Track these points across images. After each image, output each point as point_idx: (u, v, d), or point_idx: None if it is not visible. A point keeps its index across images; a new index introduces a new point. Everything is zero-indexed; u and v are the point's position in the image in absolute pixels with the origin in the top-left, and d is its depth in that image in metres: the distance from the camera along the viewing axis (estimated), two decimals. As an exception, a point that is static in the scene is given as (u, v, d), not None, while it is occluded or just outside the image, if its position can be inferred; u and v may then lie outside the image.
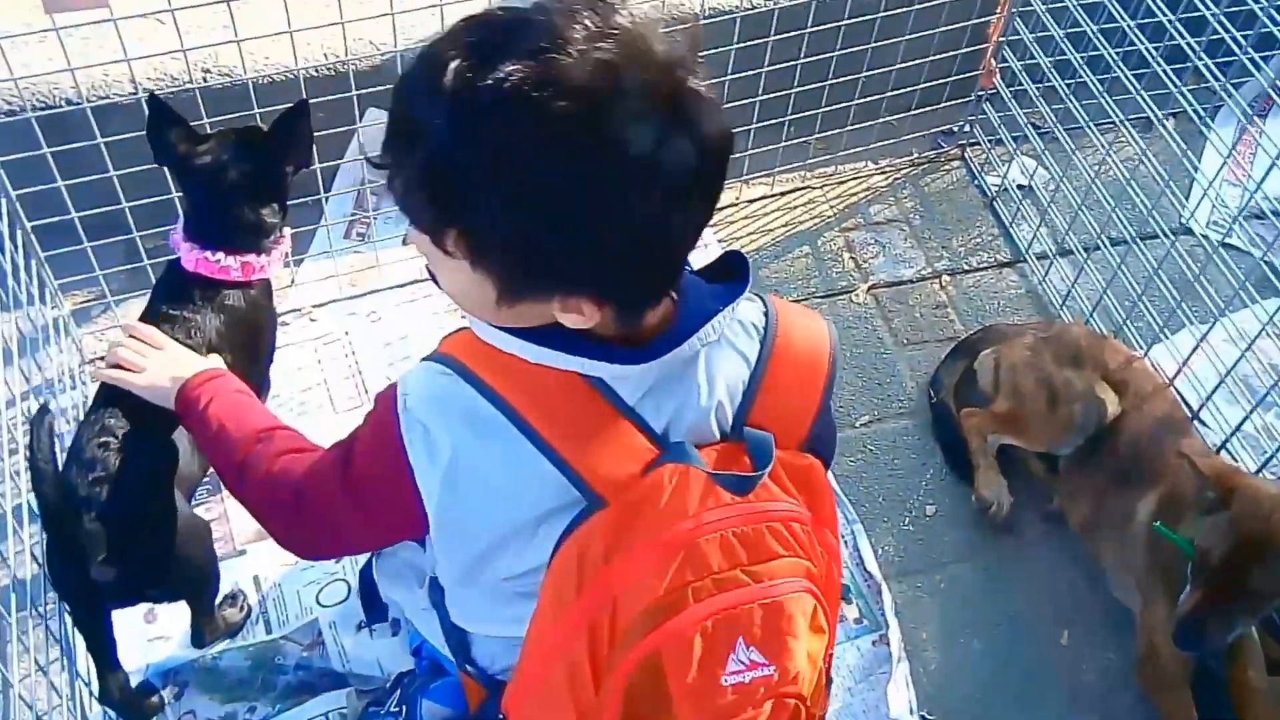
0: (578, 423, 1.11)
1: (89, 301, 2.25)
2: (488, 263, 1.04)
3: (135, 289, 2.21)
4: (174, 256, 1.70)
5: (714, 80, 2.28)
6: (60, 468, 1.52)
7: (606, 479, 1.11)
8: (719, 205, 2.15)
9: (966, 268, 2.62)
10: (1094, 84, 2.31)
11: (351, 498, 1.23)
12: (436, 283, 1.15)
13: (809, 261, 2.59)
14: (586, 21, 0.96)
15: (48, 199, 1.95)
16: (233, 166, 1.65)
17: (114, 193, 1.99)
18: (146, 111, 1.64)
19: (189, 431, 1.53)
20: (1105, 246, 2.39)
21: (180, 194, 1.78)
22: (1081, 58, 2.34)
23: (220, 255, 1.66)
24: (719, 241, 2.58)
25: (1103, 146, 2.32)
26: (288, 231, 1.76)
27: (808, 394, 1.21)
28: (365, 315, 2.36)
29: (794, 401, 1.21)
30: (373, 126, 2.30)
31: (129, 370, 1.56)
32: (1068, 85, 2.40)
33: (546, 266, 1.03)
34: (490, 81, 0.95)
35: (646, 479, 1.11)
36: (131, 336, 1.61)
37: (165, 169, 1.79)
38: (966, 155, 2.82)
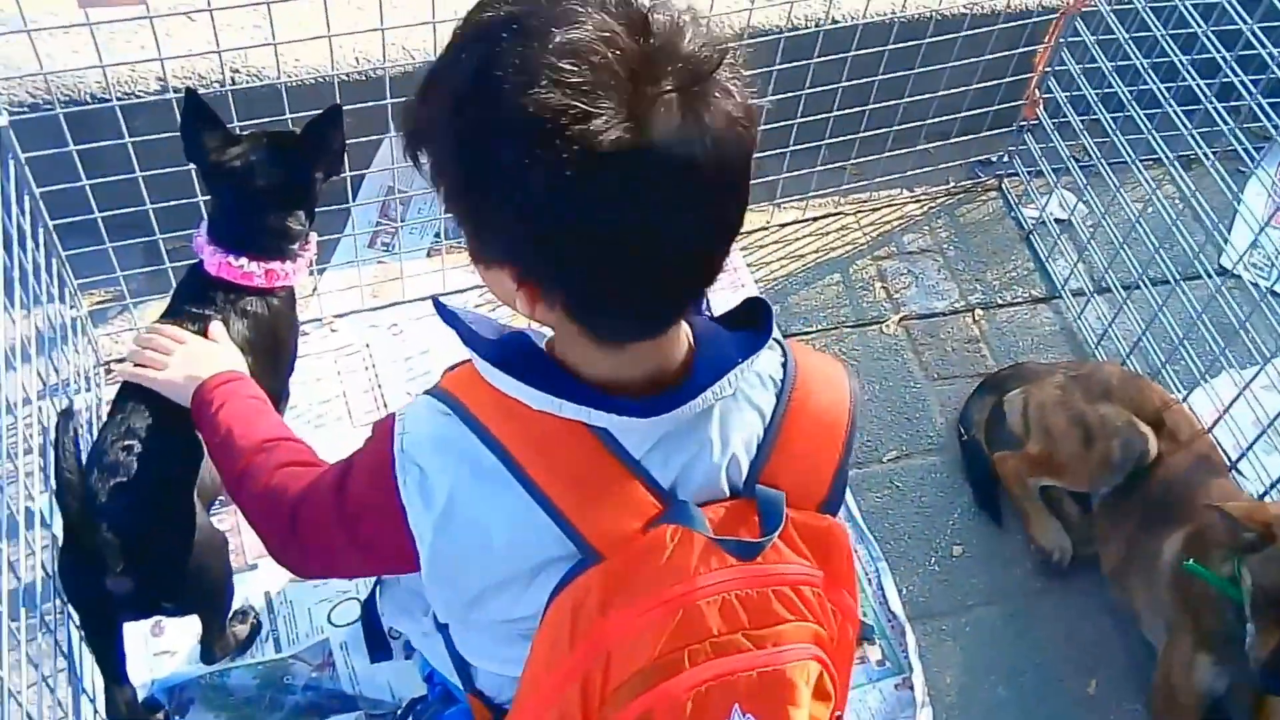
0: (579, 474, 1.06)
1: (107, 301, 2.21)
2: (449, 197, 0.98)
3: (154, 291, 2.17)
4: (196, 259, 1.66)
5: (754, 102, 2.23)
6: (79, 471, 1.47)
7: (605, 534, 1.06)
8: (748, 228, 2.08)
9: (1000, 302, 2.57)
10: (1141, 120, 2.26)
11: (344, 526, 1.18)
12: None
13: (840, 290, 2.54)
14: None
15: (67, 196, 1.91)
16: (262, 171, 1.60)
17: (135, 192, 1.94)
18: (182, 108, 1.60)
19: (200, 433, 1.48)
20: (1146, 286, 2.33)
21: (207, 196, 1.74)
22: (1130, 91, 2.28)
23: (244, 260, 1.62)
24: (749, 265, 2.53)
25: (1148, 184, 2.26)
26: (314, 239, 1.72)
27: (826, 452, 1.16)
28: (387, 328, 2.31)
29: (811, 459, 1.15)
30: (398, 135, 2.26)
31: (150, 368, 1.52)
32: (1113, 119, 2.35)
33: (486, 222, 0.96)
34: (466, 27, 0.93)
35: (647, 536, 1.05)
36: (155, 334, 1.57)
37: (193, 169, 1.75)
38: (1004, 186, 2.77)
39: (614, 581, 1.04)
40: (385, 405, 2.19)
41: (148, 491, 1.48)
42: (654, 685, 1.02)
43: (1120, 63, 2.30)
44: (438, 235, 2.44)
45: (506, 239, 0.96)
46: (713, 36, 0.92)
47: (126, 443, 1.49)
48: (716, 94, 0.91)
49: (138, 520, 1.46)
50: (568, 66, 0.86)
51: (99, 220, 1.95)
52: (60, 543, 1.51)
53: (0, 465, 1.41)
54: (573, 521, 1.05)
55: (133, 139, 1.86)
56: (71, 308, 2.00)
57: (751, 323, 1.12)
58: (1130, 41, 2.24)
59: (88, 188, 1.89)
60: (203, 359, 1.53)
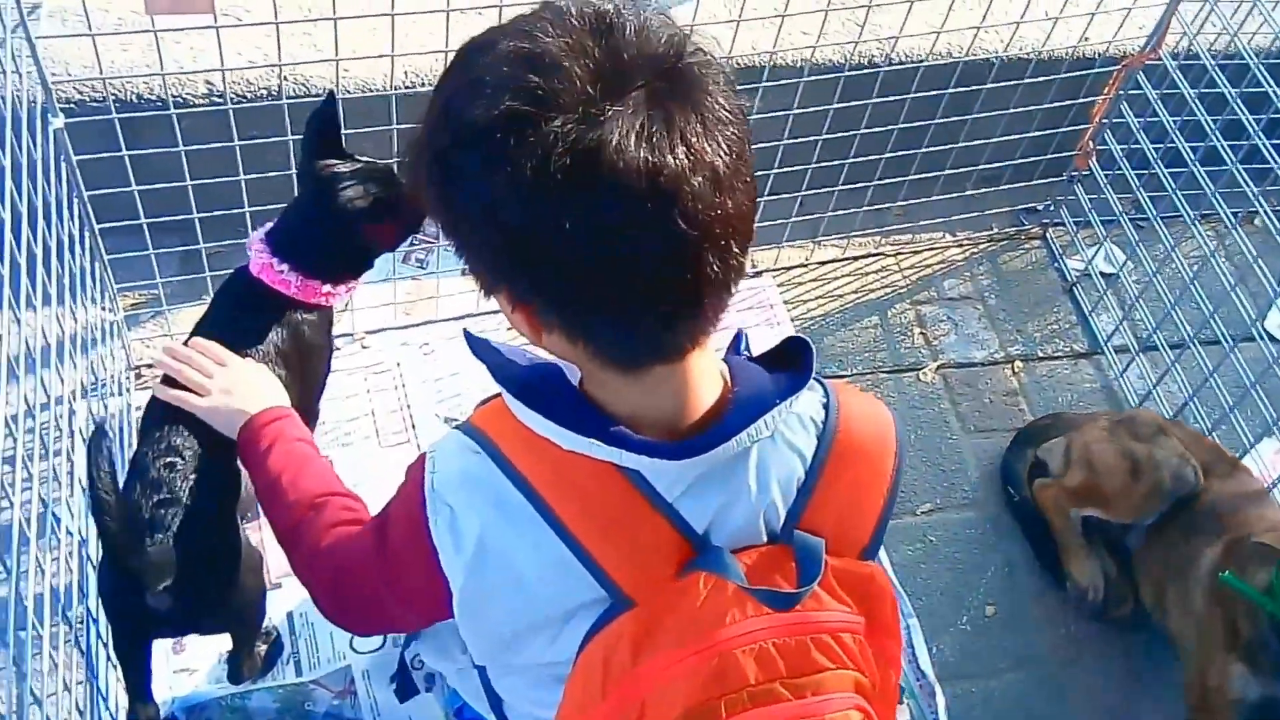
0: (609, 517, 1.02)
1: (140, 305, 2.17)
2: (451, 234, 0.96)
3: (188, 296, 2.14)
4: (240, 264, 1.63)
5: (807, 139, 2.20)
6: (121, 487, 1.43)
7: (636, 580, 1.02)
8: (786, 264, 2.05)
9: (1040, 355, 2.53)
10: (1202, 177, 2.22)
11: (386, 579, 1.15)
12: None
13: (877, 333, 2.50)
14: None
15: (106, 198, 1.87)
16: (365, 198, 1.56)
17: (173, 196, 1.90)
18: (319, 106, 1.57)
19: (245, 469, 1.45)
20: (1196, 348, 2.29)
21: (253, 206, 1.71)
22: (1191, 148, 2.25)
23: (285, 267, 1.59)
24: (785, 303, 2.50)
25: (1205, 244, 2.22)
26: (362, 279, 1.69)
27: (869, 497, 1.11)
28: (418, 346, 2.28)
29: (854, 504, 1.11)
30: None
31: (191, 390, 1.48)
32: (1167, 174, 2.32)
33: (470, 245, 0.94)
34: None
35: (680, 582, 1.02)
36: (196, 352, 1.52)
37: (243, 174, 1.71)
38: (1048, 236, 2.73)
39: (646, 629, 1.01)
40: (413, 426, 2.15)
41: (194, 507, 1.45)
42: None
43: (1183, 118, 2.26)
44: (475, 254, 2.40)
45: (490, 259, 0.93)
46: (684, 36, 0.91)
47: (168, 459, 1.46)
48: (693, 94, 0.88)
49: (183, 538, 1.43)
50: (525, 75, 0.86)
51: (145, 227, 1.91)
52: (101, 557, 1.48)
53: (33, 466, 1.38)
54: (603, 565, 1.02)
55: (187, 147, 1.82)
56: (109, 311, 1.97)
57: (791, 363, 1.08)
58: (1196, 99, 2.20)
59: (136, 194, 1.85)
60: (247, 389, 1.48)
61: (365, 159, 1.59)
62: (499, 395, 1.07)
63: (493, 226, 0.89)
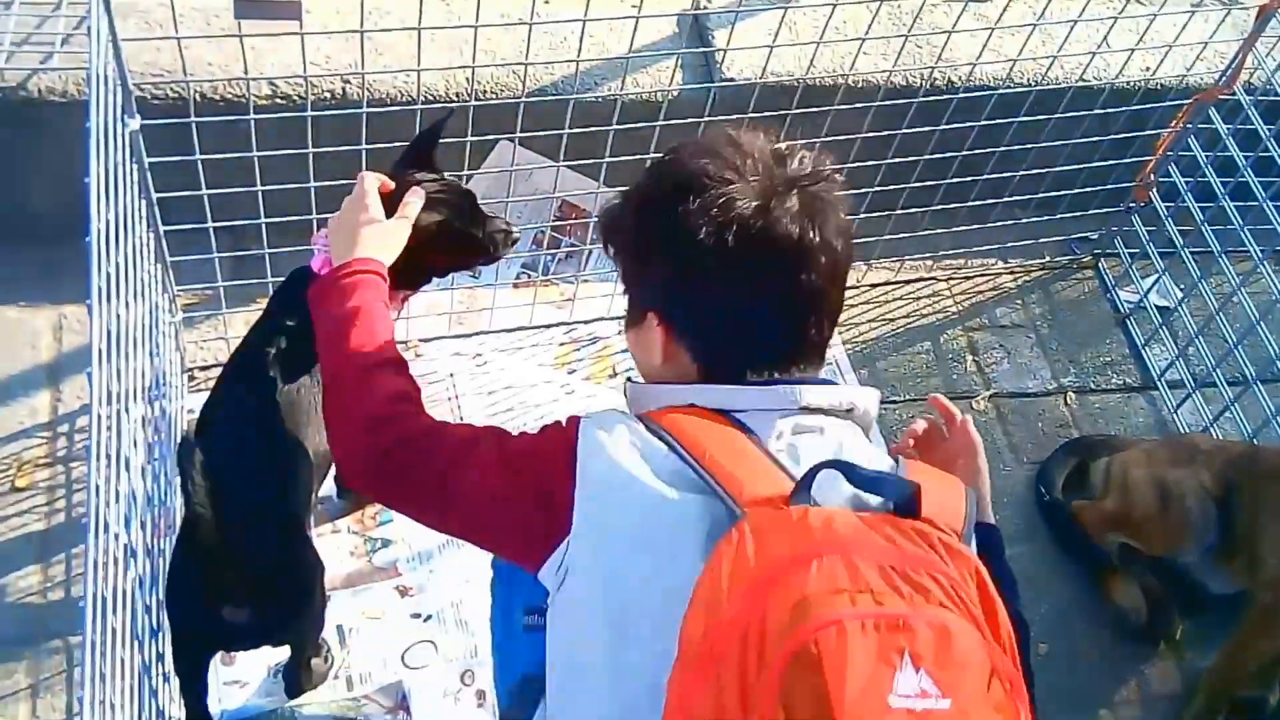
0: (723, 448, 1.13)
1: (193, 305, 2.14)
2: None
3: (242, 300, 2.11)
4: (299, 267, 1.61)
5: (874, 163, 2.18)
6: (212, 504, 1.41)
7: (748, 495, 1.08)
8: None
9: (1093, 387, 2.51)
10: (1273, 213, 2.20)
11: (476, 476, 1.22)
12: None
13: (930, 359, 2.48)
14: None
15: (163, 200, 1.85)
16: (427, 223, 1.53)
17: (234, 201, 1.88)
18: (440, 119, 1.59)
19: (314, 303, 1.40)
20: (1257, 387, 2.27)
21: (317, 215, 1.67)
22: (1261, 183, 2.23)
23: None
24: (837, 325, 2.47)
25: (1274, 283, 2.20)
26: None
27: (952, 497, 1.16)
28: (471, 357, 2.25)
29: (943, 496, 1.14)
30: (496, 171, 2.21)
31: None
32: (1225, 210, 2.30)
33: (646, 273, 1.24)
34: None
35: (788, 509, 1.06)
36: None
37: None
38: (1101, 266, 2.70)
39: (760, 535, 1.04)
40: (468, 439, 2.13)
41: (274, 524, 1.43)
42: (811, 616, 0.96)
43: (1257, 153, 2.25)
44: (525, 267, 2.39)
45: (659, 285, 1.23)
46: (829, 172, 1.23)
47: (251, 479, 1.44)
48: (827, 204, 1.20)
49: (267, 554, 1.42)
50: (724, 165, 1.19)
51: (212, 231, 1.89)
52: (168, 568, 1.46)
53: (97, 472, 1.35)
54: (717, 477, 1.10)
55: (261, 153, 1.79)
56: (169, 314, 1.94)
57: None
58: (1273, 139, 2.18)
59: (206, 197, 1.82)
60: (368, 230, 1.44)
61: (449, 176, 1.56)
62: None
63: (674, 255, 1.20)
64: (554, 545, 1.15)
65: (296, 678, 1.73)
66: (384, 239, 1.45)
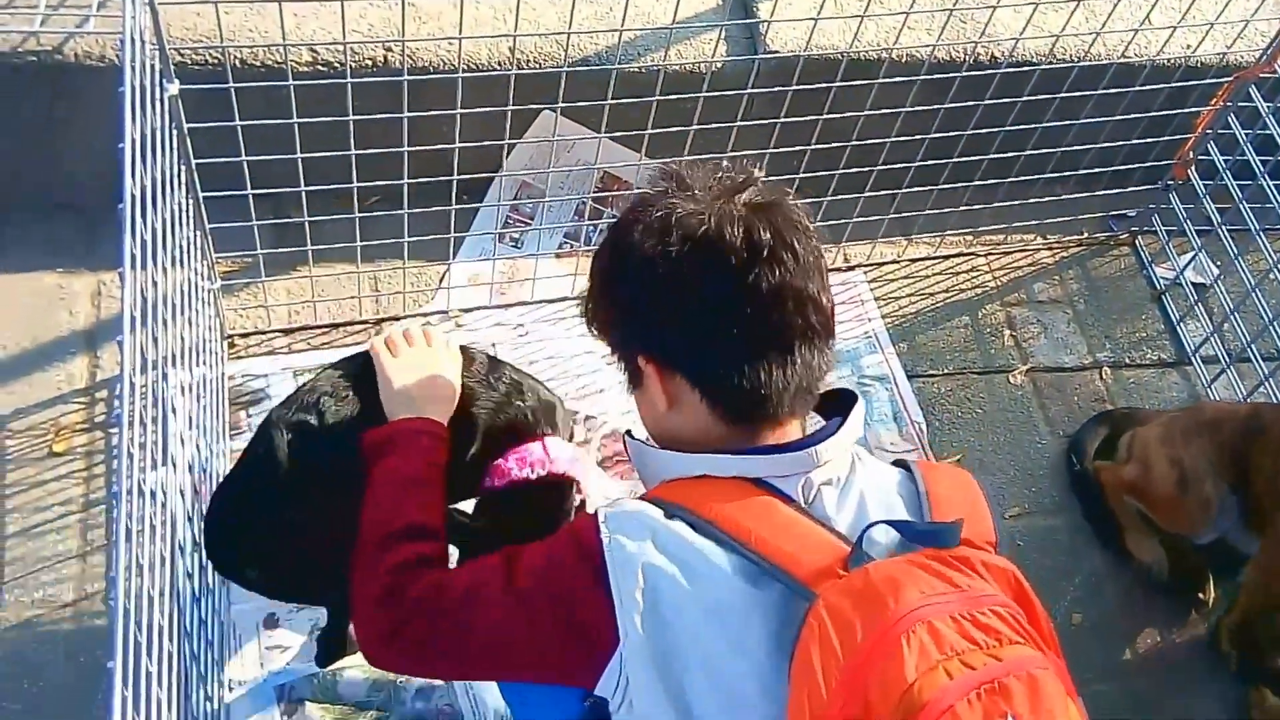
0: (771, 524, 1.12)
1: (232, 273, 2.14)
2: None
3: (282, 268, 2.12)
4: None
5: (915, 137, 2.15)
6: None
7: (811, 573, 1.08)
8: (878, 260, 2.32)
9: (1128, 362, 2.49)
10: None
11: (496, 618, 1.17)
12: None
13: (968, 333, 2.47)
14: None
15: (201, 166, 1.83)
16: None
17: (271, 168, 1.86)
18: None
19: (364, 449, 1.39)
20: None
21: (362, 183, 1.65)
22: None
23: None
24: (876, 299, 2.46)
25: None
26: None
27: (975, 495, 1.24)
28: (512, 327, 2.25)
29: (964, 502, 1.21)
30: (537, 141, 2.20)
31: (391, 352, 1.48)
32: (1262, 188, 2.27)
33: (626, 322, 1.22)
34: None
35: (853, 573, 1.07)
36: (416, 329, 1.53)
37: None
38: (1138, 243, 2.68)
39: (841, 618, 1.04)
40: (506, 409, 2.12)
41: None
42: (922, 708, 0.99)
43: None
44: (567, 237, 2.38)
45: (634, 324, 1.21)
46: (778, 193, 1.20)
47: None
48: (775, 205, 1.17)
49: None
50: (664, 193, 1.19)
51: (250, 198, 1.88)
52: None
53: (132, 439, 1.34)
54: (774, 560, 1.08)
55: (300, 119, 1.78)
56: (209, 280, 1.94)
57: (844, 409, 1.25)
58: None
59: (245, 164, 1.81)
60: (428, 381, 1.44)
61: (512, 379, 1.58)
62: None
63: (648, 290, 1.18)
64: (602, 664, 1.12)
65: (328, 646, 1.73)
66: (436, 385, 1.44)
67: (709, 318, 1.16)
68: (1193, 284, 2.57)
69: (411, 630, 1.20)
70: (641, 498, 1.20)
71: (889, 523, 1.13)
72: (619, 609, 1.09)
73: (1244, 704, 2.05)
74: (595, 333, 1.28)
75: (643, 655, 1.09)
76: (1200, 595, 2.16)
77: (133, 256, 1.25)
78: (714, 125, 2.05)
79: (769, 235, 1.14)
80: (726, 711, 1.09)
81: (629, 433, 1.30)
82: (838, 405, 1.25)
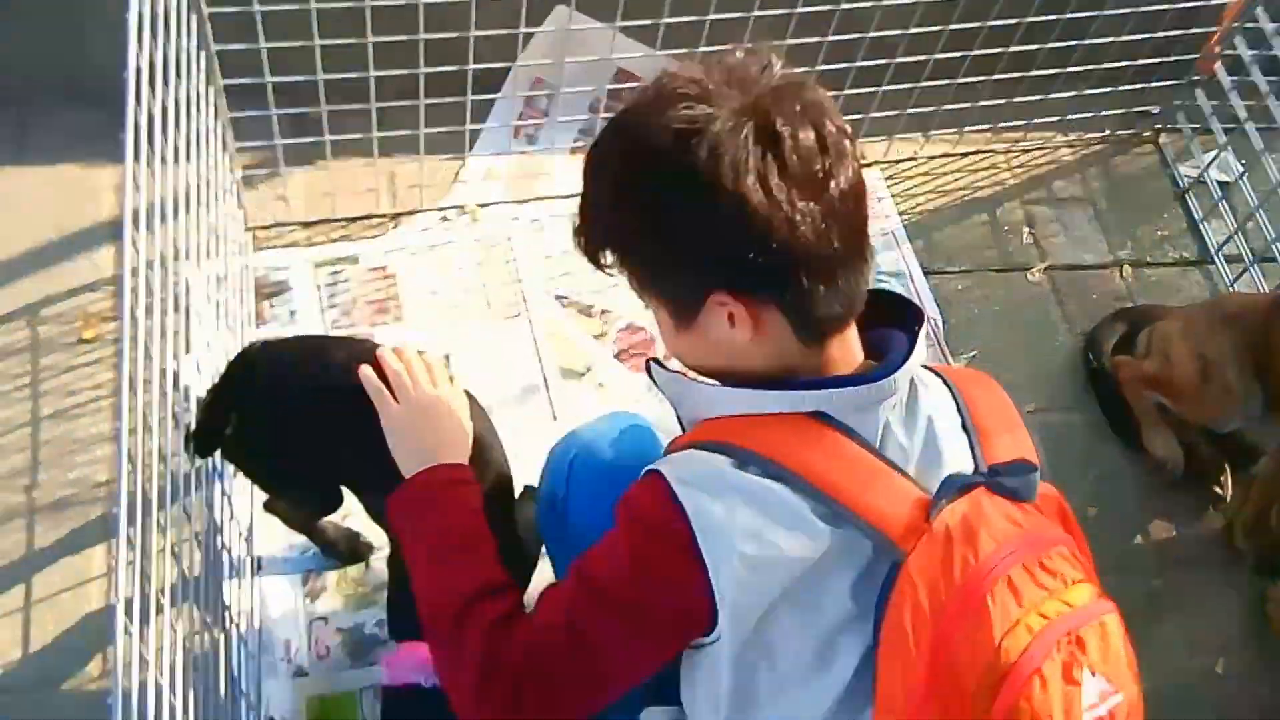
0: (842, 467, 1.07)
1: (253, 166, 2.16)
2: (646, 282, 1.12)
3: (301, 160, 2.13)
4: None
5: (932, 29, 2.12)
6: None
7: (900, 527, 1.05)
8: (895, 158, 2.28)
9: (1150, 260, 2.48)
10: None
11: (610, 634, 1.11)
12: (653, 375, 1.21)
13: (986, 230, 2.46)
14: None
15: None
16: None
17: (291, 58, 1.87)
18: None
19: (393, 513, 1.30)
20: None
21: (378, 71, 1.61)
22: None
23: None
24: (893, 196, 2.45)
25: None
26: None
27: (1011, 410, 1.21)
28: (529, 222, 2.26)
29: (1009, 421, 1.19)
30: (552, 31, 2.19)
31: (392, 389, 1.35)
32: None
33: (679, 260, 1.07)
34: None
35: (934, 526, 1.05)
36: (417, 362, 1.39)
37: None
38: (1161, 141, 2.66)
39: (927, 576, 1.03)
40: (525, 302, 2.15)
41: None
42: (1006, 675, 1.00)
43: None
44: (582, 132, 2.38)
45: (701, 253, 1.06)
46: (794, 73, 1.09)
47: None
48: (827, 111, 1.07)
49: None
50: (685, 95, 1.05)
51: (269, 87, 1.89)
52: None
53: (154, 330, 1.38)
54: (859, 513, 1.05)
55: (319, 3, 1.78)
56: (229, 170, 1.96)
57: (896, 317, 1.18)
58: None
59: (264, 51, 1.82)
60: (440, 424, 1.34)
61: None
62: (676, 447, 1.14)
63: (700, 208, 1.03)
64: (707, 626, 1.08)
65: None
66: (453, 427, 1.34)
67: (804, 233, 1.03)
68: (1217, 182, 2.55)
69: (531, 696, 1.12)
70: (690, 441, 1.13)
71: (973, 476, 1.09)
72: (713, 575, 1.05)
73: (1259, 598, 2.07)
74: (607, 262, 1.14)
75: (737, 612, 1.06)
76: (1217, 490, 2.17)
77: (137, 128, 1.27)
78: (729, 16, 2.03)
79: (834, 129, 1.06)
80: (812, 664, 1.09)
81: (655, 361, 1.21)
82: (881, 311, 1.17)
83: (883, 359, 1.13)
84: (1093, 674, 1.02)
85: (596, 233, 1.14)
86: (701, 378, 1.16)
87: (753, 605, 1.06)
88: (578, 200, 1.16)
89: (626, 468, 1.30)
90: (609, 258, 1.14)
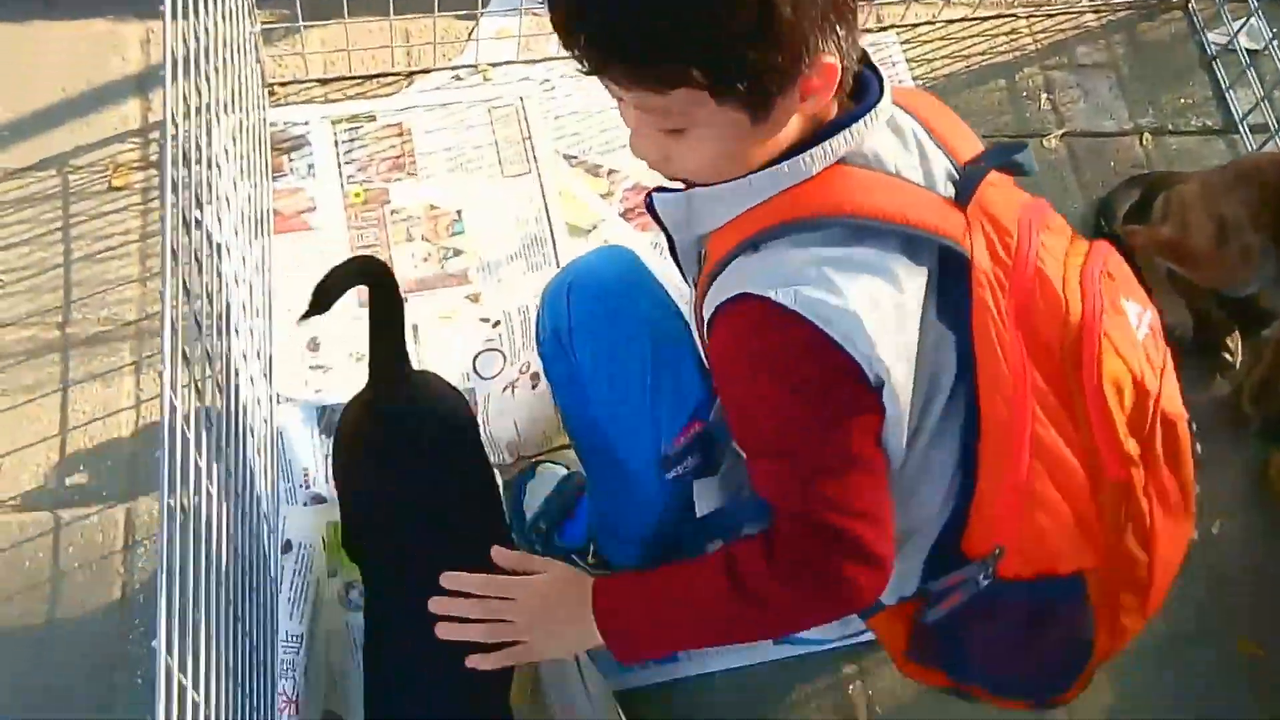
0: (890, 196, 1.14)
1: (270, 22, 2.21)
2: (727, 81, 1.06)
3: (320, 14, 2.17)
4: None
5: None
6: None
7: (949, 225, 1.15)
8: (912, 21, 2.25)
9: (1171, 128, 2.46)
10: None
11: (820, 447, 1.15)
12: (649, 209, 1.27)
13: (1003, 96, 2.45)
14: None
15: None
16: None
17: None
18: None
19: (643, 652, 1.33)
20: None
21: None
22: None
23: None
24: (909, 61, 2.44)
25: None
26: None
27: (956, 119, 1.29)
28: (539, 82, 2.29)
29: (957, 129, 1.28)
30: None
31: (505, 631, 1.30)
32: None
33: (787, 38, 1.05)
34: None
35: (970, 218, 1.17)
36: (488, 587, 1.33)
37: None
38: (1191, 6, 2.60)
39: (989, 266, 1.15)
40: (535, 159, 2.20)
41: None
42: (1084, 346, 1.17)
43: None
44: (599, -6, 2.38)
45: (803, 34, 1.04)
46: None
47: None
48: None
49: None
50: None
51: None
52: None
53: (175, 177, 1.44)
54: (930, 231, 1.14)
55: None
56: (249, 23, 2.01)
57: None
58: None
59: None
60: (561, 606, 1.30)
61: None
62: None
63: None
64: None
65: None
66: (565, 593, 1.32)
67: None
68: (1245, 50, 2.50)
69: (850, 538, 1.14)
70: (740, 243, 1.15)
71: (988, 161, 1.20)
72: (865, 364, 1.11)
73: (1262, 463, 2.09)
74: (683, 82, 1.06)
75: (896, 382, 1.13)
76: (1227, 355, 2.17)
77: None
78: None
79: None
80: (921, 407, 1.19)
81: (658, 189, 1.25)
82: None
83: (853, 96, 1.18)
84: (1127, 299, 1.21)
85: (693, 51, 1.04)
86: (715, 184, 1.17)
87: (905, 371, 1.14)
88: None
89: (623, 281, 1.45)
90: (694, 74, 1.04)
